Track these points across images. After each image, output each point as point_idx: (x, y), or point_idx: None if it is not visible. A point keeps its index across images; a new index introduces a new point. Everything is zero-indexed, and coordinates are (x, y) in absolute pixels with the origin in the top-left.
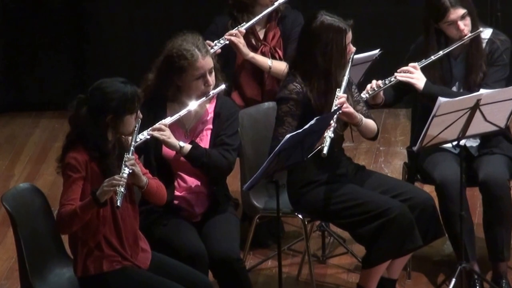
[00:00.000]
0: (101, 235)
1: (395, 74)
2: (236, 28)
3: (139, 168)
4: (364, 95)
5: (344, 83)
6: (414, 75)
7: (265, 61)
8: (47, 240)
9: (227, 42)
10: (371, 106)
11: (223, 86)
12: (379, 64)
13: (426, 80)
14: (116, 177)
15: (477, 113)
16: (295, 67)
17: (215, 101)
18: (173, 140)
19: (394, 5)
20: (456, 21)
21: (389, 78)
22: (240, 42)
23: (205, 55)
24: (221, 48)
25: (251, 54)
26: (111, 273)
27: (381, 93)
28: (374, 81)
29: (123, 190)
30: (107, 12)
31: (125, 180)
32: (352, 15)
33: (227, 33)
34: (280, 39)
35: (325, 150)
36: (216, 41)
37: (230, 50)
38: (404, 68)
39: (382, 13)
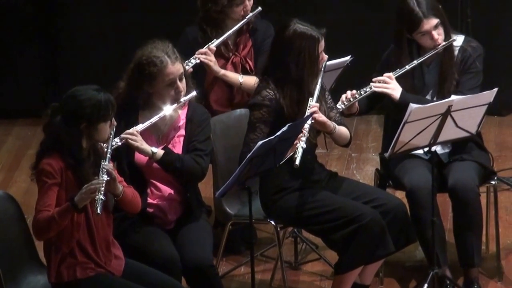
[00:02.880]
0: (75, 241)
1: (371, 84)
2: (207, 46)
3: (116, 175)
4: (340, 106)
5: (316, 92)
6: (390, 85)
7: (236, 77)
8: (20, 247)
9: (198, 61)
10: (346, 115)
11: (194, 93)
12: (351, 71)
13: (402, 89)
14: (94, 182)
15: (448, 119)
16: (268, 74)
17: (187, 107)
18: (145, 146)
19: (366, 11)
20: (430, 31)
21: (364, 89)
22: (211, 60)
23: (174, 61)
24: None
25: (222, 72)
26: (84, 280)
27: (356, 102)
28: (348, 92)
29: (102, 197)
30: (80, 19)
31: (103, 187)
32: (323, 21)
33: (197, 52)
34: (251, 50)
35: (297, 161)
36: (186, 61)
37: (199, 67)
38: (380, 78)
39: (354, 19)
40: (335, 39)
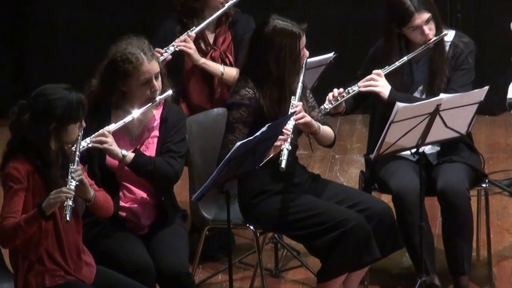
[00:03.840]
0: (43, 248)
1: (359, 82)
2: (186, 33)
3: (86, 180)
4: (327, 105)
5: (298, 90)
6: (379, 82)
7: (217, 67)
8: None
9: (177, 48)
10: (332, 115)
11: (170, 92)
12: (335, 68)
13: (391, 87)
14: (64, 189)
15: (437, 118)
16: (246, 72)
17: (161, 107)
18: (115, 148)
19: (350, 7)
20: (421, 26)
21: (352, 87)
22: (191, 48)
23: (150, 59)
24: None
25: (202, 60)
26: None
27: (343, 101)
28: (335, 90)
29: (71, 204)
30: (48, 14)
31: (73, 193)
32: (306, 17)
33: (177, 39)
34: (231, 43)
35: (283, 164)
36: (165, 48)
37: (178, 56)
38: (368, 76)
39: (337, 15)
40: (317, 34)
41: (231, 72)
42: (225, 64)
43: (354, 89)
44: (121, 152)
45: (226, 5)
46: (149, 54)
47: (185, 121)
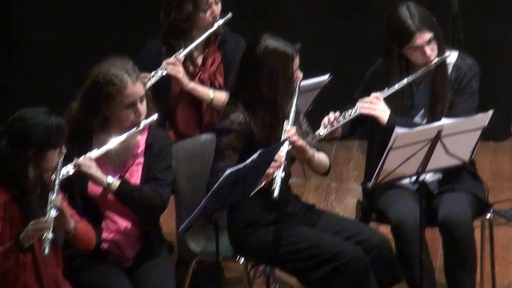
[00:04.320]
0: (21, 283)
1: (357, 105)
2: (174, 55)
3: (66, 210)
4: (322, 131)
5: (292, 114)
6: (377, 106)
7: (207, 92)
8: None
9: (165, 72)
10: (327, 140)
11: (155, 116)
12: (330, 91)
13: (390, 112)
14: (42, 220)
15: (438, 145)
16: (236, 95)
17: (146, 132)
18: (99, 174)
19: (346, 25)
20: (422, 46)
21: (349, 111)
22: (180, 71)
23: (135, 81)
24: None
25: (192, 85)
26: None
27: (339, 126)
28: (331, 114)
29: (50, 236)
30: (28, 34)
31: (52, 224)
32: (299, 36)
33: (164, 62)
34: (221, 65)
35: (276, 193)
36: (153, 72)
37: (163, 78)
38: (367, 99)
39: (333, 34)
40: (311, 55)
41: (221, 96)
42: (214, 86)
43: (351, 113)
44: (106, 179)
45: (215, 25)
46: (133, 76)
47: (171, 147)
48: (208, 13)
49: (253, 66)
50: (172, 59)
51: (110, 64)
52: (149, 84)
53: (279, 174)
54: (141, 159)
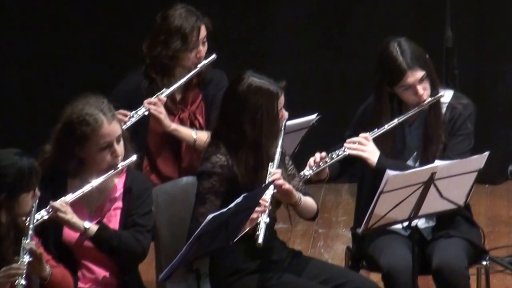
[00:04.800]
0: None
1: (344, 146)
2: (156, 95)
3: (41, 255)
4: (307, 172)
5: (277, 156)
6: (366, 147)
7: (189, 133)
8: None
9: (146, 112)
10: (314, 182)
11: (133, 158)
12: (317, 131)
13: (379, 153)
14: (15, 266)
15: (432, 188)
16: (218, 136)
17: (124, 175)
18: (76, 220)
19: (335, 61)
20: (414, 85)
21: (336, 152)
22: (162, 112)
23: (111, 120)
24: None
25: (173, 126)
26: None
27: (327, 167)
28: (317, 154)
29: (23, 282)
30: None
31: (25, 270)
32: (285, 73)
33: (146, 101)
34: (202, 103)
35: (260, 239)
36: (133, 112)
37: (142, 119)
38: (355, 139)
39: (320, 70)
40: (297, 93)
41: (204, 137)
42: (195, 126)
43: (339, 153)
44: (83, 224)
45: (199, 66)
46: (109, 115)
47: (151, 190)
48: (194, 52)
49: (235, 105)
50: (154, 99)
51: (84, 103)
52: (129, 123)
53: (264, 219)
54: (119, 204)
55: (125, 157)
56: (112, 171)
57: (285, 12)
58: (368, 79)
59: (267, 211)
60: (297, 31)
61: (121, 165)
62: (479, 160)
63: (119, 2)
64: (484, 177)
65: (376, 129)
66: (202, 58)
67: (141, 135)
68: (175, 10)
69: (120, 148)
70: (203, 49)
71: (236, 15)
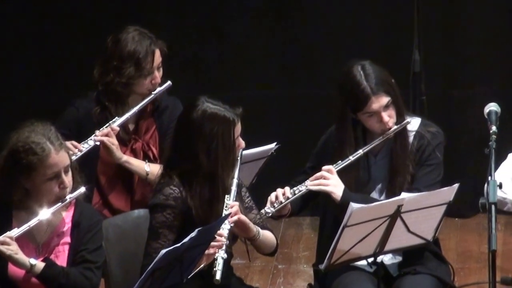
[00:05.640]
0: None
1: (306, 181)
2: (108, 125)
3: None
4: (268, 209)
5: (234, 187)
6: (330, 181)
7: (141, 166)
8: None
9: (97, 142)
10: (274, 218)
11: (82, 189)
12: (277, 161)
13: (344, 187)
14: None
15: (398, 222)
16: (171, 167)
17: (73, 208)
18: (21, 256)
19: (295, 86)
20: (379, 111)
21: (298, 187)
22: (114, 143)
23: (58, 149)
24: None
25: (125, 158)
26: None
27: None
28: (279, 190)
29: None
30: None
31: None
32: (242, 99)
33: (98, 132)
34: (155, 133)
35: (218, 276)
36: (83, 142)
37: (91, 149)
38: (318, 174)
39: (280, 97)
40: (255, 120)
41: (157, 170)
42: (148, 157)
43: (301, 189)
44: (29, 261)
45: (154, 93)
46: (56, 144)
47: (101, 224)
48: (149, 79)
49: (189, 133)
50: (106, 129)
51: (30, 130)
52: (79, 155)
53: (221, 255)
54: (67, 239)
55: (74, 189)
56: (60, 203)
57: (242, 37)
58: (331, 105)
59: (224, 246)
60: (255, 55)
61: (69, 197)
62: (449, 192)
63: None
64: (453, 210)
65: (340, 161)
66: (157, 85)
67: (91, 166)
68: (127, 33)
69: (68, 179)
70: (158, 74)
71: (191, 40)
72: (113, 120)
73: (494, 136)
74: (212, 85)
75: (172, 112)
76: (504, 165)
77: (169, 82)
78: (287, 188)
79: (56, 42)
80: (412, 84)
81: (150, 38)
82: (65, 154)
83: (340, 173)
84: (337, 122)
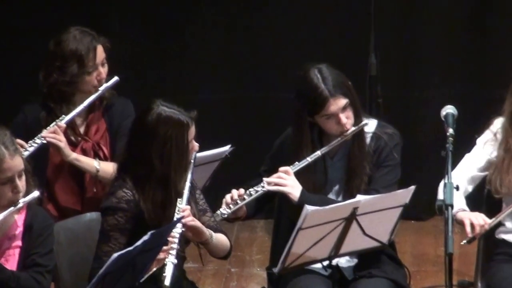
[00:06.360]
0: None
1: (264, 181)
2: (55, 123)
3: None
4: (224, 210)
5: (186, 191)
6: (287, 182)
7: (91, 163)
8: None
9: (45, 141)
10: (229, 220)
11: (36, 193)
12: (231, 164)
13: (301, 188)
14: None
15: (354, 225)
16: (125, 170)
17: (25, 211)
18: None
19: (250, 89)
20: (337, 113)
21: (255, 188)
22: (61, 140)
23: (13, 154)
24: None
25: (74, 155)
26: None
27: (244, 205)
28: (234, 191)
29: None
30: None
31: None
32: (196, 102)
33: (45, 131)
34: (106, 133)
35: (167, 281)
36: (31, 141)
37: (41, 148)
38: (275, 174)
39: (234, 100)
40: (209, 123)
41: (108, 168)
42: (99, 157)
43: (258, 190)
44: None
45: (100, 89)
46: (11, 149)
47: (52, 228)
48: (94, 75)
49: (143, 136)
50: (52, 127)
51: None
52: (26, 154)
53: (170, 260)
54: (18, 242)
55: (27, 192)
56: (13, 207)
57: (197, 40)
58: (287, 108)
59: (174, 250)
60: (210, 58)
61: (22, 201)
62: (405, 194)
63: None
64: (410, 212)
65: (297, 162)
66: (103, 81)
67: (41, 168)
68: (68, 33)
69: (22, 183)
70: (103, 70)
71: (145, 43)
72: (60, 118)
73: (451, 139)
74: (167, 88)
75: (123, 112)
76: (460, 165)
77: (116, 78)
78: (242, 190)
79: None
80: (369, 87)
81: (92, 35)
82: (19, 159)
83: (297, 175)
84: (294, 125)
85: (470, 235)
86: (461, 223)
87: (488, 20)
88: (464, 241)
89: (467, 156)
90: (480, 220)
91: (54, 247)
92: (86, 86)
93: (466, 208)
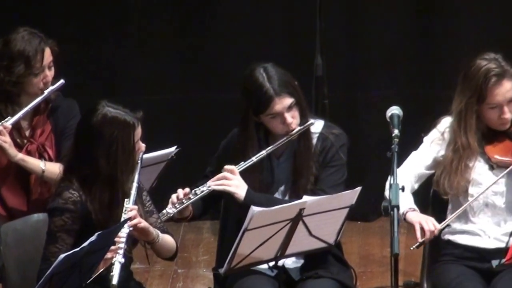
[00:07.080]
0: None
1: (209, 182)
2: (0, 124)
3: None
4: (170, 210)
5: (133, 191)
6: (232, 181)
7: (37, 164)
8: None
9: None
10: (175, 220)
11: None
12: (177, 165)
13: (247, 187)
14: None
15: (300, 225)
16: (71, 171)
17: None
18: None
19: (194, 91)
20: (282, 113)
21: (200, 187)
22: (6, 141)
23: None
24: None
25: (20, 156)
26: None
27: (190, 205)
28: (180, 191)
29: None
30: None
31: None
32: (141, 103)
33: None
34: (51, 134)
35: (114, 281)
36: None
37: None
38: (220, 174)
39: (179, 100)
40: (156, 124)
41: (54, 168)
42: (44, 159)
43: (203, 189)
44: None
45: (46, 92)
46: None
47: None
48: (40, 77)
49: (89, 137)
50: None
51: None
52: None
53: (118, 259)
54: None
55: None
56: None
57: (145, 38)
58: (233, 109)
59: (122, 250)
60: (156, 59)
61: None
62: (351, 195)
63: None
64: (356, 213)
65: (242, 162)
66: (49, 83)
67: None
68: (17, 33)
69: None
70: (49, 73)
71: (92, 42)
72: (6, 119)
73: (396, 140)
74: (112, 89)
75: (68, 113)
76: (407, 162)
77: (61, 81)
78: (187, 189)
79: None
80: (315, 87)
81: (40, 37)
82: None
83: (244, 174)
84: (240, 125)
85: (420, 240)
86: (411, 225)
87: (433, 21)
88: (414, 246)
89: (413, 154)
90: (431, 225)
91: (1, 248)
92: (32, 88)
93: (415, 207)
